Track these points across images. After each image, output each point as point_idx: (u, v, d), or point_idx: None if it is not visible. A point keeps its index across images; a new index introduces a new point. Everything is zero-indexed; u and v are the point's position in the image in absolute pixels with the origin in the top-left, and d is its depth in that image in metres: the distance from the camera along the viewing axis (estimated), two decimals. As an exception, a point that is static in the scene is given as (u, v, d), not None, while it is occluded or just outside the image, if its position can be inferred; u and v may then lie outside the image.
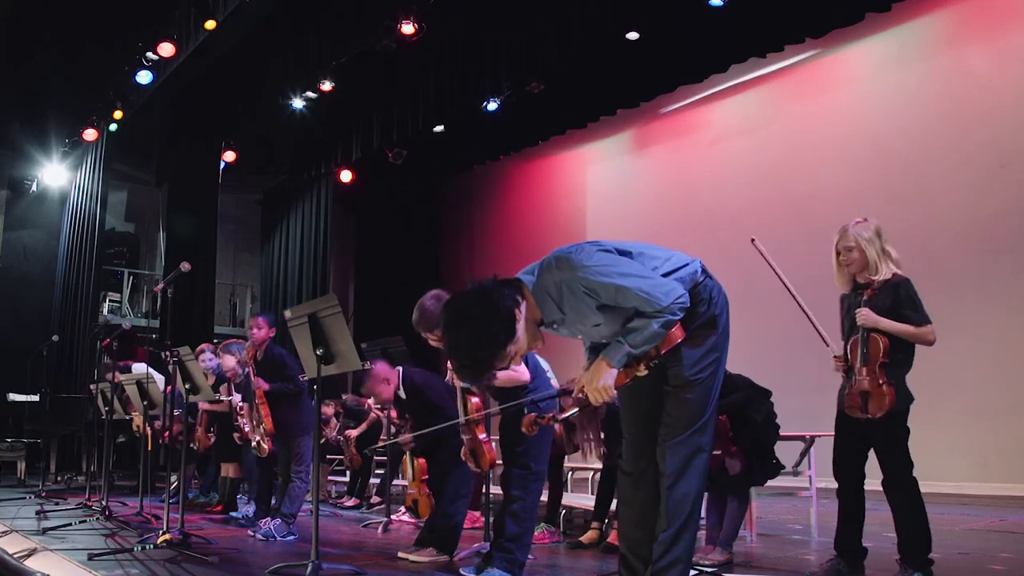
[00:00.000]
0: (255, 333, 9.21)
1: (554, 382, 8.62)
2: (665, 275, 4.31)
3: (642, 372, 4.32)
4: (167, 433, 11.06)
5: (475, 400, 6.30)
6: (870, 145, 14.30)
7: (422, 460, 7.38)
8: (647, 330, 4.18)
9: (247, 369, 9.71)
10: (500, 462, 6.70)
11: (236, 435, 10.30)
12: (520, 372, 6.22)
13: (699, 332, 4.37)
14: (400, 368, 7.67)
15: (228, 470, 11.37)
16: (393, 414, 9.91)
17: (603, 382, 4.22)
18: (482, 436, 6.31)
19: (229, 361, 10.49)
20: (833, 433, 6.26)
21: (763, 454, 7.07)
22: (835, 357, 6.15)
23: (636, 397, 4.52)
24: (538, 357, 8.29)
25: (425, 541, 7.17)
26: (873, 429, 5.87)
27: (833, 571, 5.98)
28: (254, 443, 9.24)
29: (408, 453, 7.53)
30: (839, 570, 5.96)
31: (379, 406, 9.56)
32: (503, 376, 6.17)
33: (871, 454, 6.00)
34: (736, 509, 7.07)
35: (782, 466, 7.31)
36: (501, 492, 6.51)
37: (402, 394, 7.65)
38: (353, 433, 12.77)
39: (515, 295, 4.19)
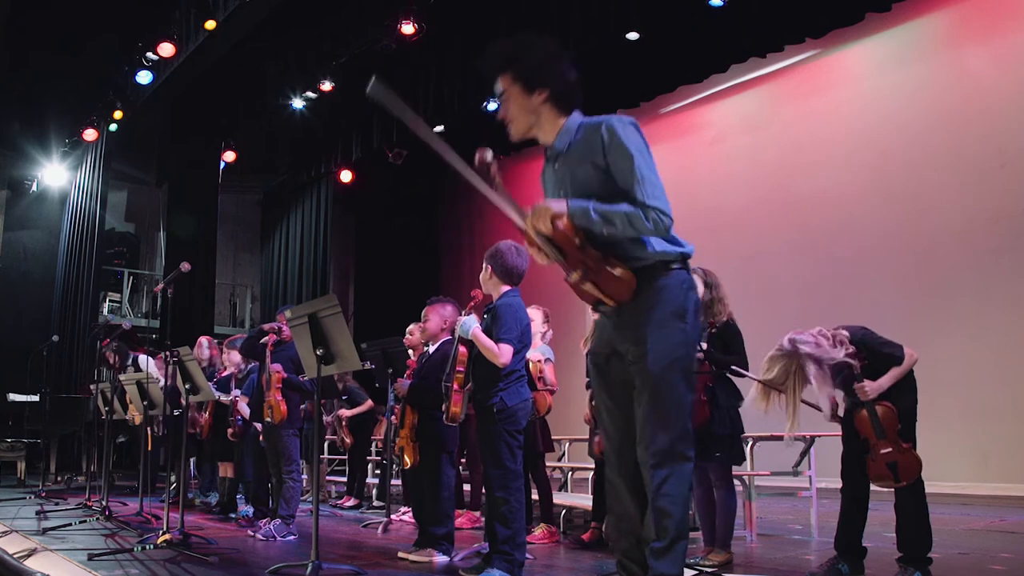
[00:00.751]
0: (287, 330, 9.19)
1: (550, 374, 8.62)
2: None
3: (575, 276, 4.31)
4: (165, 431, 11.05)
5: (462, 351, 6.33)
6: (870, 145, 14.31)
7: (412, 412, 7.36)
8: (617, 207, 4.21)
9: (250, 365, 9.71)
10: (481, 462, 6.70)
11: (229, 431, 10.31)
12: (502, 352, 6.21)
13: (668, 320, 4.24)
14: (451, 336, 7.69)
15: (227, 470, 11.37)
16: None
17: (547, 206, 4.38)
18: (455, 387, 6.32)
19: (235, 357, 10.46)
20: (840, 434, 6.28)
21: (730, 433, 7.05)
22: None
23: (612, 399, 4.42)
24: (543, 353, 8.31)
25: (424, 542, 7.19)
26: None
27: (833, 571, 5.98)
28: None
29: (402, 403, 7.52)
30: (839, 570, 5.96)
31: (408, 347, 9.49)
32: (484, 343, 6.23)
33: None
34: (724, 505, 7.04)
35: (744, 457, 7.32)
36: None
37: (430, 349, 7.66)
38: (346, 413, 12.76)
39: (571, 98, 4.81)
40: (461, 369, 6.34)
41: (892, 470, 5.77)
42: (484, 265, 6.55)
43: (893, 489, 5.89)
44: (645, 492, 4.22)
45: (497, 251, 6.52)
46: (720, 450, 6.95)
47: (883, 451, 5.80)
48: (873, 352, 6.00)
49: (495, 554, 6.07)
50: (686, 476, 4.16)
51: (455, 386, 6.35)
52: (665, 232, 4.30)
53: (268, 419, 8.72)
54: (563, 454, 12.31)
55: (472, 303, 6.58)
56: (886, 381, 5.88)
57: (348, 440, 12.74)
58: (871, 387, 5.87)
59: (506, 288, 6.47)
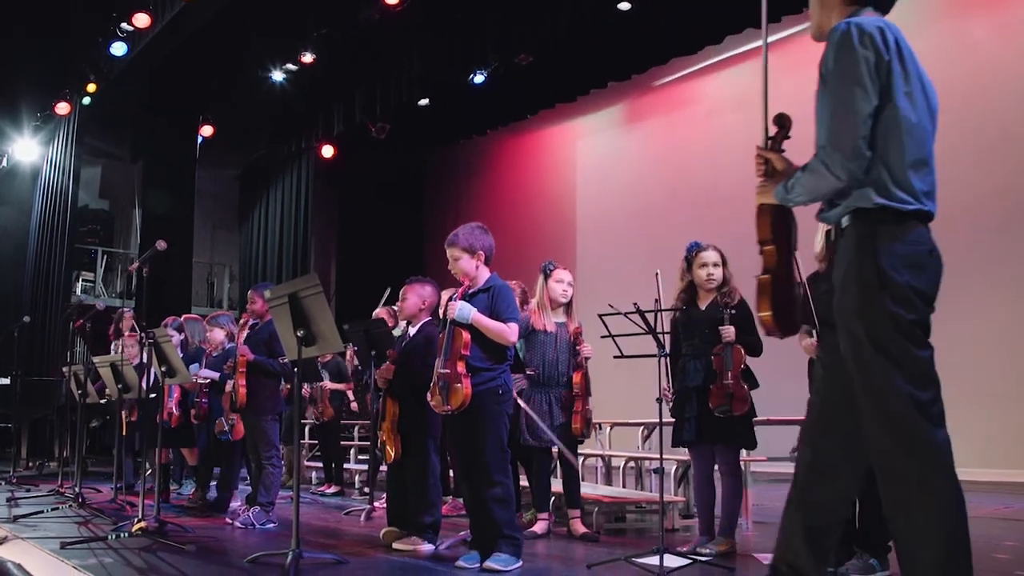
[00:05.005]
0: (255, 307, 9.17)
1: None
2: (912, 162, 3.80)
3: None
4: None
5: (466, 335, 6.27)
6: (869, 119, 14.25)
7: (393, 402, 7.34)
8: (800, 172, 4.00)
9: (228, 345, 9.66)
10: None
11: (192, 411, 10.28)
12: (512, 330, 6.29)
13: (855, 283, 3.77)
14: (431, 318, 7.67)
15: (191, 456, 11.35)
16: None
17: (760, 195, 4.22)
18: (462, 370, 6.25)
19: (218, 335, 10.33)
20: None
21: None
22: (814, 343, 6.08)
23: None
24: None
25: (409, 530, 7.17)
26: None
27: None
28: (226, 427, 9.22)
29: (383, 393, 7.49)
30: (837, 556, 5.97)
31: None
32: (491, 326, 6.25)
33: None
34: (733, 492, 7.02)
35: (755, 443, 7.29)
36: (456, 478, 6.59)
37: (411, 331, 7.64)
38: (328, 385, 12.72)
39: None
40: (466, 352, 6.29)
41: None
42: (456, 254, 6.53)
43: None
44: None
45: (459, 230, 6.57)
46: (750, 434, 6.97)
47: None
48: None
49: (500, 538, 6.10)
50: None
51: (461, 370, 6.28)
52: (841, 176, 3.77)
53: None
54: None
55: (462, 289, 6.51)
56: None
57: (329, 412, 12.68)
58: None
59: (488, 271, 6.54)
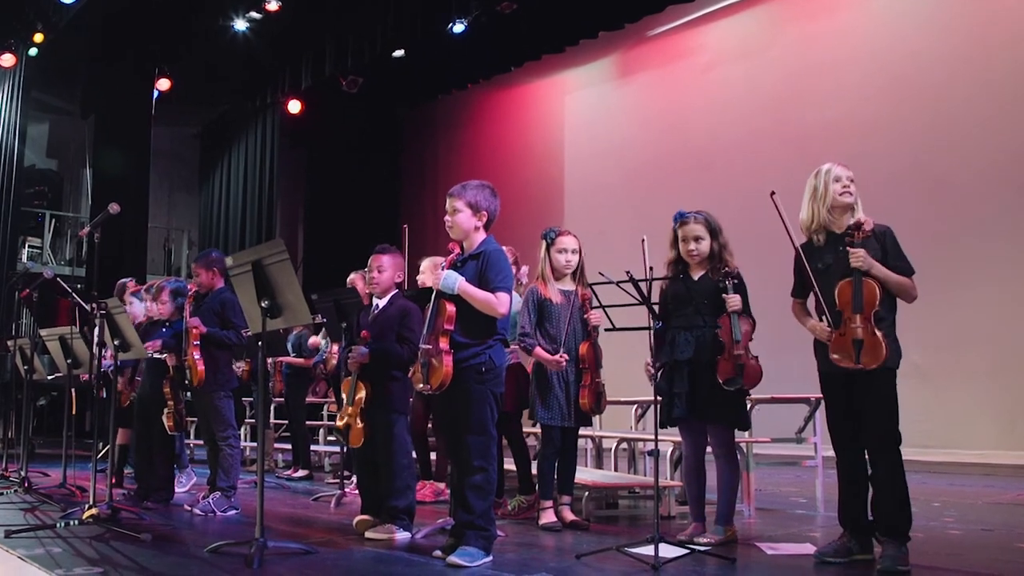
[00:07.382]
0: (200, 279, 9.09)
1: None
2: None
3: None
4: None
5: (451, 308, 6.17)
6: (882, 72, 14.21)
7: (363, 385, 7.28)
8: None
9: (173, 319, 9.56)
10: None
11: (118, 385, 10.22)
12: (501, 301, 6.13)
13: None
14: (401, 290, 7.63)
15: (124, 436, 11.24)
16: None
17: None
18: (444, 347, 6.16)
19: (167, 307, 10.18)
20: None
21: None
22: (828, 330, 6.03)
23: None
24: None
25: (382, 517, 7.13)
26: (860, 386, 5.86)
27: (843, 550, 5.94)
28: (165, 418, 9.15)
29: (353, 375, 7.43)
30: (849, 548, 5.92)
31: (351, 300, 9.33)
32: (478, 296, 6.11)
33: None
34: (729, 475, 6.99)
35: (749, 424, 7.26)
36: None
37: (380, 303, 7.58)
38: (286, 359, 12.64)
39: None
40: (450, 327, 6.20)
41: (856, 348, 5.73)
42: (459, 207, 6.34)
43: (868, 457, 5.87)
44: None
45: (484, 192, 6.40)
46: (743, 413, 6.94)
47: (852, 325, 5.76)
48: (887, 248, 5.99)
49: (470, 529, 5.98)
50: None
51: (444, 346, 6.19)
52: None
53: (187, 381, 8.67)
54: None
55: (451, 256, 6.40)
56: (882, 270, 5.85)
57: (279, 386, 12.63)
58: (867, 258, 5.81)
59: (484, 235, 6.39)
